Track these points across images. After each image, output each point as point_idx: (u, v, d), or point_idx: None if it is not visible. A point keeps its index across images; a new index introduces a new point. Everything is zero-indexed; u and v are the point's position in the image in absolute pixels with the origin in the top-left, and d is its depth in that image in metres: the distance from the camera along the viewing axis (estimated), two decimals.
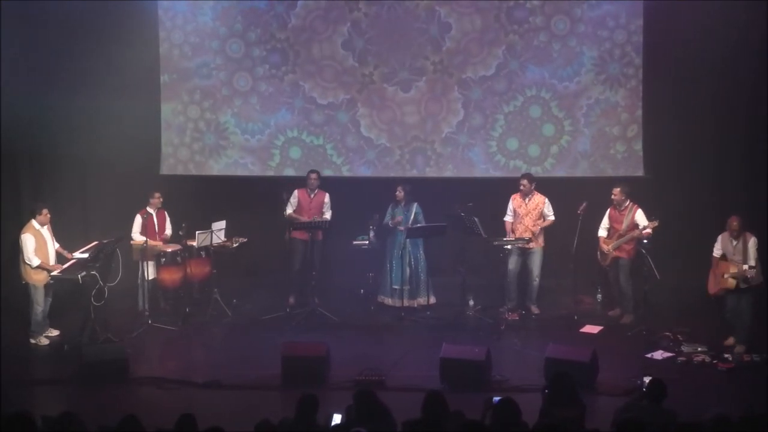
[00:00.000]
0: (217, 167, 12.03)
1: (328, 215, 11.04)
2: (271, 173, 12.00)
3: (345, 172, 11.99)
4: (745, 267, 9.22)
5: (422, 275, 10.89)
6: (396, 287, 10.87)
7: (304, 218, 10.92)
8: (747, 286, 9.27)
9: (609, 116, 11.58)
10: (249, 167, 12.01)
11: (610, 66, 11.49)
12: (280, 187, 11.17)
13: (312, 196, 11.07)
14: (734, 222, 9.37)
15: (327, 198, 11.12)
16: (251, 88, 11.91)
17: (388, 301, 10.97)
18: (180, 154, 12.13)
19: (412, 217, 10.83)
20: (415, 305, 10.90)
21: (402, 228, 10.75)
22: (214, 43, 11.88)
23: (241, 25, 11.85)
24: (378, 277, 11.13)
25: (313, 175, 11.08)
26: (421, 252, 10.91)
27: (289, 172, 11.99)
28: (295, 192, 11.10)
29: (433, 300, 10.94)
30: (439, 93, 11.75)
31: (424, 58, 11.70)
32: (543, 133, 11.70)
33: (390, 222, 10.86)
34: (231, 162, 12.02)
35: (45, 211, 9.94)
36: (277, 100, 11.92)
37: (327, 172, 11.69)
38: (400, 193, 10.85)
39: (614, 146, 11.62)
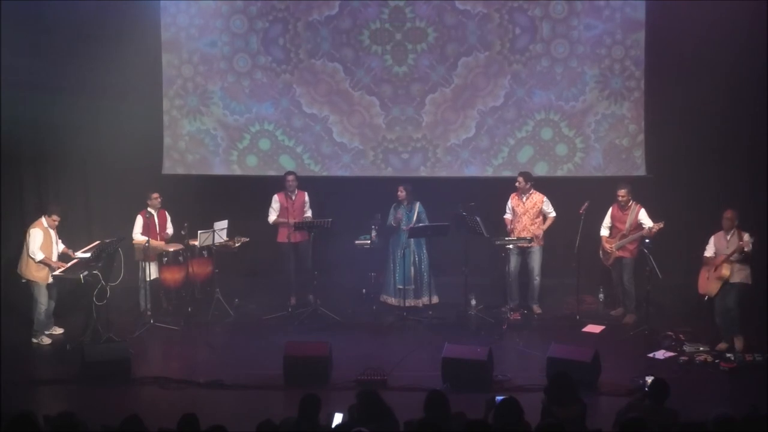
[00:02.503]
0: (188, 128, 12.14)
1: (309, 214, 11.07)
2: (234, 153, 12.14)
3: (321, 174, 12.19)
4: (735, 257, 9.23)
5: (425, 275, 10.90)
6: (400, 287, 10.88)
7: (293, 220, 10.87)
8: (741, 260, 9.25)
9: (617, 129, 11.78)
10: (218, 140, 12.15)
11: (612, 81, 11.70)
12: (282, 187, 11.16)
13: (293, 198, 11.03)
14: (729, 213, 9.37)
15: (307, 197, 11.14)
16: (247, 72, 12.04)
17: (392, 300, 10.98)
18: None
19: (414, 216, 10.84)
20: (420, 305, 10.91)
21: (405, 227, 10.76)
22: (218, 21, 11.98)
23: (242, 1, 11.97)
24: (381, 276, 11.14)
25: (290, 177, 11.05)
26: (425, 251, 10.92)
27: (251, 159, 12.16)
28: (275, 197, 11.08)
29: (435, 299, 10.94)
30: (460, 105, 11.90)
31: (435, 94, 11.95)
32: (557, 153, 11.87)
33: (393, 221, 10.86)
34: (203, 129, 12.15)
35: (56, 217, 9.97)
36: (267, 92, 12.07)
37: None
38: (401, 193, 10.86)
39: (625, 157, 11.79)
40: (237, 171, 12.14)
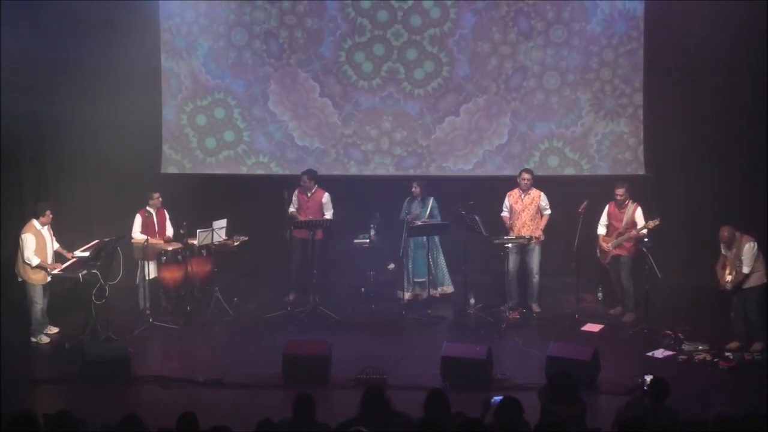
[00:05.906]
0: (163, 62, 12.16)
1: (328, 215, 11.06)
2: (190, 104, 12.22)
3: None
4: (729, 278, 9.26)
5: (442, 264, 11.11)
6: (416, 280, 11.05)
7: (301, 217, 10.93)
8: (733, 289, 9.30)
9: (618, 145, 11.99)
10: (182, 88, 12.22)
11: (605, 102, 11.93)
12: (282, 186, 11.16)
13: (309, 195, 11.09)
14: (725, 233, 9.25)
15: (326, 198, 11.13)
16: (239, 47, 12.14)
17: (407, 295, 11.04)
18: None
19: (428, 211, 10.96)
20: (437, 295, 11.07)
21: (419, 222, 10.83)
22: None
23: None
24: (396, 271, 11.22)
25: (304, 177, 11.12)
26: (437, 241, 11.06)
27: (201, 118, 12.26)
28: (295, 191, 11.15)
29: (451, 289, 11.19)
30: (473, 139, 12.09)
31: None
32: (565, 176, 12.05)
33: (408, 216, 10.89)
34: (175, 70, 12.20)
35: (48, 212, 9.97)
36: (245, 72, 12.20)
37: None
38: (416, 189, 10.99)
39: (629, 170, 11.92)
40: (184, 120, 12.24)
